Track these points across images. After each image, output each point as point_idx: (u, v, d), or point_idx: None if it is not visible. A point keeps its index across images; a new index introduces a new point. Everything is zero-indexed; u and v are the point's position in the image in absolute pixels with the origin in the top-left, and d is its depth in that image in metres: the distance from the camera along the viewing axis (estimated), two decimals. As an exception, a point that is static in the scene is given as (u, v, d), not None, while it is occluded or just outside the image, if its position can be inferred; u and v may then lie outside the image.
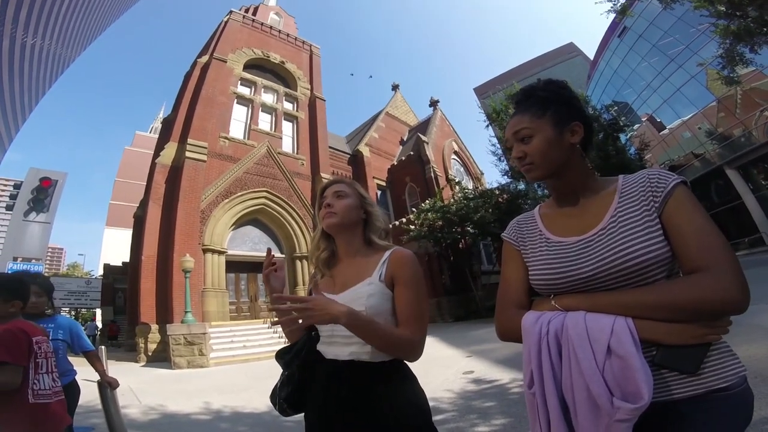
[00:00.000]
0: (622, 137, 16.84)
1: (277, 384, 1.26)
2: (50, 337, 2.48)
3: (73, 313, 27.92)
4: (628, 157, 15.48)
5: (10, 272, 7.90)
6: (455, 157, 27.33)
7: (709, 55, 17.21)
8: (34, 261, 8.47)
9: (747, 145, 19.89)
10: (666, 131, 26.31)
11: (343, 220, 1.28)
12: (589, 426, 0.77)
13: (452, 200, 18.11)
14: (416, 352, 1.15)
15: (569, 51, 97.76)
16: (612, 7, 11.75)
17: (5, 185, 78.73)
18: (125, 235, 31.70)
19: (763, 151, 19.15)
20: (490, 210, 15.75)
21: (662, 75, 24.80)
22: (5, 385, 1.68)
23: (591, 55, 41.93)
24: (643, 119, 27.89)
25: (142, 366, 10.84)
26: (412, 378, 1.20)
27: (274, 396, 1.24)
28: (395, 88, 31.54)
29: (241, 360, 10.35)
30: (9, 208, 8.56)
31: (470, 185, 23.74)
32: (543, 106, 0.99)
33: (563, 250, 0.95)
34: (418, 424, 1.11)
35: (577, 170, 1.00)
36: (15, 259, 8.39)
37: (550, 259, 0.96)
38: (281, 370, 1.26)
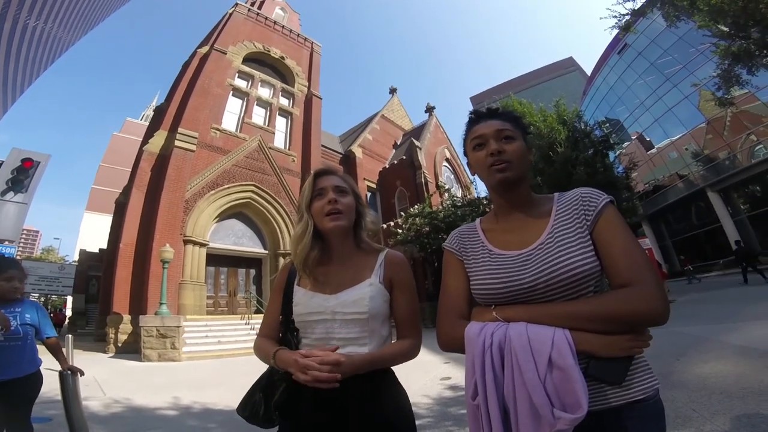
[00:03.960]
0: (611, 155, 17.05)
1: (255, 392, 1.17)
2: (18, 322, 2.46)
3: (42, 299, 26.99)
4: (614, 175, 15.68)
5: None
6: (447, 164, 27.46)
7: (705, 75, 17.58)
8: (6, 243, 8.11)
9: (730, 168, 20.25)
10: (654, 150, 26.69)
11: (349, 222, 1.23)
12: None
13: (441, 207, 18.16)
14: (417, 354, 1.21)
15: (568, 65, 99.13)
16: (616, 23, 11.94)
17: (-15, 163, 76.53)
18: (105, 221, 31.01)
19: (745, 175, 19.51)
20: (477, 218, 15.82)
21: (656, 94, 25.10)
22: None
23: (589, 71, 42.58)
24: (633, 137, 28.31)
25: (111, 357, 10.60)
26: (399, 384, 1.19)
27: (254, 405, 1.14)
28: (393, 91, 31.65)
29: (215, 355, 10.21)
30: (-14, 186, 8.19)
31: (459, 193, 23.87)
32: (519, 123, 1.08)
33: (505, 262, 0.99)
34: (406, 429, 1.12)
35: (527, 186, 1.07)
36: (-14, 239, 8.03)
37: (493, 269, 1.00)
38: (257, 373, 1.18)
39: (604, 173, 14.33)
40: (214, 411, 4.57)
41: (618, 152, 20.25)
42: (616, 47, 29.48)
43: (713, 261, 21.62)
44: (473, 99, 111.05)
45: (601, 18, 11.75)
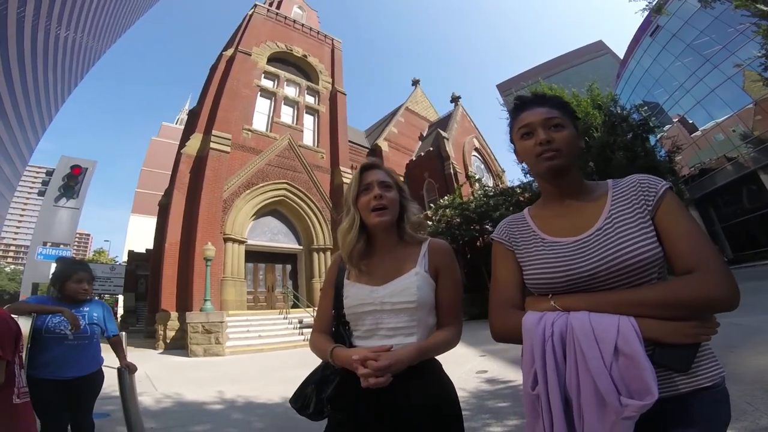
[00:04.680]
0: (652, 138, 16.21)
1: (307, 386, 1.20)
2: (86, 321, 2.54)
3: (96, 298, 28.85)
4: (657, 159, 14.91)
5: (44, 258, 8.20)
6: (476, 153, 26.95)
7: (748, 56, 16.43)
8: (62, 246, 8.75)
9: (784, 150, 18.93)
10: (698, 133, 25.27)
11: (394, 217, 1.26)
12: (595, 424, 0.79)
13: (471, 197, 17.89)
14: (458, 342, 1.22)
15: (597, 49, 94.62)
16: (647, 5, 11.38)
17: (38, 172, 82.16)
18: (150, 223, 32.59)
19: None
20: (511, 208, 15.50)
21: (696, 75, 23.91)
22: None
23: (620, 54, 40.65)
24: (674, 120, 26.86)
25: (160, 353, 11.06)
26: (444, 372, 1.22)
27: (306, 398, 1.17)
28: (416, 83, 31.32)
29: (255, 350, 10.49)
30: (41, 194, 8.89)
31: (490, 183, 23.41)
32: (567, 110, 1.04)
33: (560, 249, 0.97)
34: (453, 415, 1.14)
35: (578, 173, 1.05)
36: (44, 243, 8.70)
37: (548, 258, 0.97)
38: (296, 367, 1.22)
39: (645, 157, 13.67)
40: (256, 404, 4.72)
41: (659, 136, 19.25)
42: (647, 29, 28.19)
43: (767, 247, 20.25)
44: (500, 86, 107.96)
45: (630, 0, 11.24)
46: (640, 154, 13.62)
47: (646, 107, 20.19)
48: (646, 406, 0.75)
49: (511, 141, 1.12)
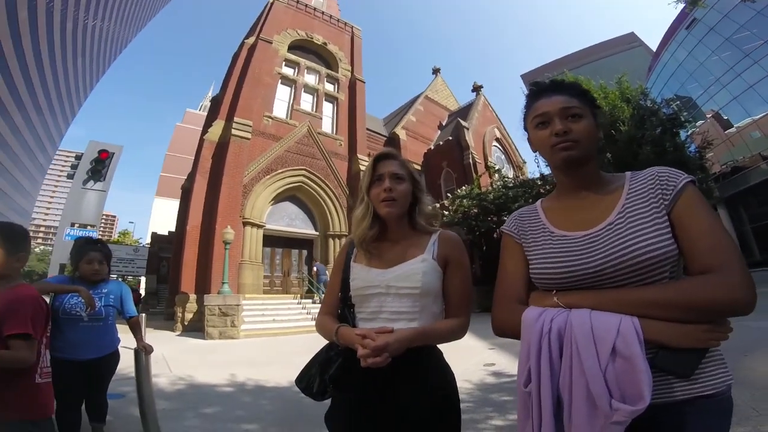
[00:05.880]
0: (682, 133, 15.54)
1: (312, 366, 1.22)
2: (102, 303, 2.57)
3: (119, 280, 29.65)
4: (686, 154, 14.31)
5: (71, 238, 8.56)
6: (497, 144, 26.42)
7: None
8: (89, 227, 9.07)
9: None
10: (733, 130, 24.11)
11: (403, 208, 1.28)
12: (583, 426, 0.77)
13: (490, 188, 17.63)
14: (464, 334, 1.22)
15: (629, 41, 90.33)
16: None
17: (67, 157, 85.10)
18: (173, 206, 33.48)
19: None
20: (531, 200, 15.18)
21: (734, 70, 22.71)
22: (23, 362, 1.43)
23: (653, 47, 39.00)
24: (708, 116, 25.71)
25: (177, 335, 11.27)
26: (445, 361, 1.23)
27: (310, 378, 1.19)
28: (436, 71, 30.77)
29: (270, 333, 10.66)
30: (70, 177, 9.23)
31: (510, 174, 22.98)
32: (587, 98, 0.99)
33: (568, 244, 0.93)
34: (450, 406, 1.16)
35: (595, 165, 1.00)
36: (72, 224, 9.04)
37: (554, 252, 0.95)
38: (308, 352, 1.24)
39: (674, 152, 13.14)
40: (267, 388, 4.81)
41: (690, 131, 18.48)
42: (683, 22, 26.93)
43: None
44: (524, 77, 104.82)
45: None
46: (669, 149, 13.11)
47: (678, 101, 19.41)
48: (637, 412, 0.72)
49: (525, 129, 1.08)
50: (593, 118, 0.97)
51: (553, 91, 1.00)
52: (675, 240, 0.83)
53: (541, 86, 1.04)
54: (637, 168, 0.99)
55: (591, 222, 0.93)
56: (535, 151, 1.07)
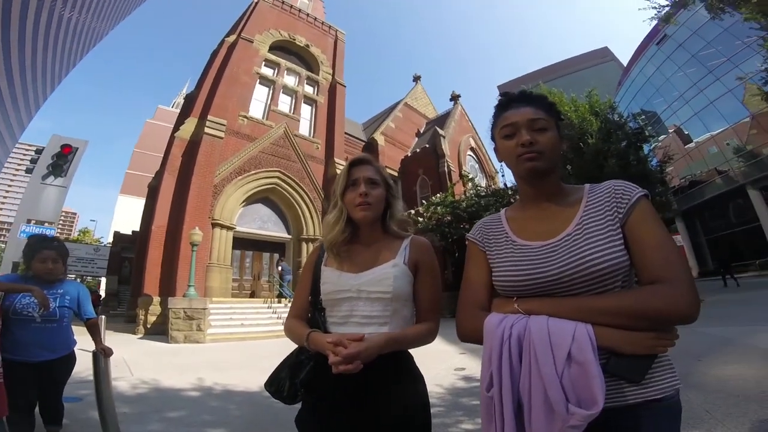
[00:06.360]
0: (646, 147, 16.37)
1: (282, 370, 1.22)
2: (57, 304, 2.46)
3: (78, 280, 28.32)
4: (648, 168, 15.07)
5: (26, 236, 8.04)
6: (471, 153, 27.00)
7: (752, 69, 16.62)
8: (47, 224, 8.55)
9: (774, 166, 19.23)
10: (692, 144, 25.53)
11: (377, 213, 1.28)
12: (542, 430, 0.79)
13: (464, 196, 17.93)
14: (434, 339, 1.23)
15: (603, 55, 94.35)
16: (656, 14, 11.45)
17: (27, 150, 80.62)
18: (138, 204, 32.19)
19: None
20: (501, 209, 15.53)
21: (697, 86, 24.05)
22: None
23: (625, 61, 40.85)
24: (670, 130, 27.11)
25: (140, 338, 10.90)
26: (416, 367, 1.23)
27: (280, 382, 1.19)
28: (416, 79, 31.20)
29: (237, 338, 10.45)
30: (28, 171, 8.65)
31: (483, 183, 23.48)
32: (553, 111, 1.03)
33: (529, 253, 0.97)
34: (420, 411, 1.16)
35: (557, 176, 1.04)
36: (29, 221, 8.49)
37: (516, 261, 0.98)
38: (278, 356, 1.22)
39: (637, 166, 13.82)
40: (235, 392, 4.69)
41: (653, 145, 19.45)
42: (654, 38, 28.26)
43: (749, 261, 20.71)
44: (501, 87, 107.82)
45: (639, 9, 11.28)
46: (633, 162, 13.75)
47: (643, 116, 20.40)
48: (592, 416, 0.74)
49: (492, 138, 1.10)
50: (557, 131, 1.01)
51: (522, 103, 1.02)
52: (627, 251, 0.87)
53: (510, 97, 1.07)
54: (604, 180, 1.04)
55: (550, 233, 0.96)
56: (501, 161, 1.09)
